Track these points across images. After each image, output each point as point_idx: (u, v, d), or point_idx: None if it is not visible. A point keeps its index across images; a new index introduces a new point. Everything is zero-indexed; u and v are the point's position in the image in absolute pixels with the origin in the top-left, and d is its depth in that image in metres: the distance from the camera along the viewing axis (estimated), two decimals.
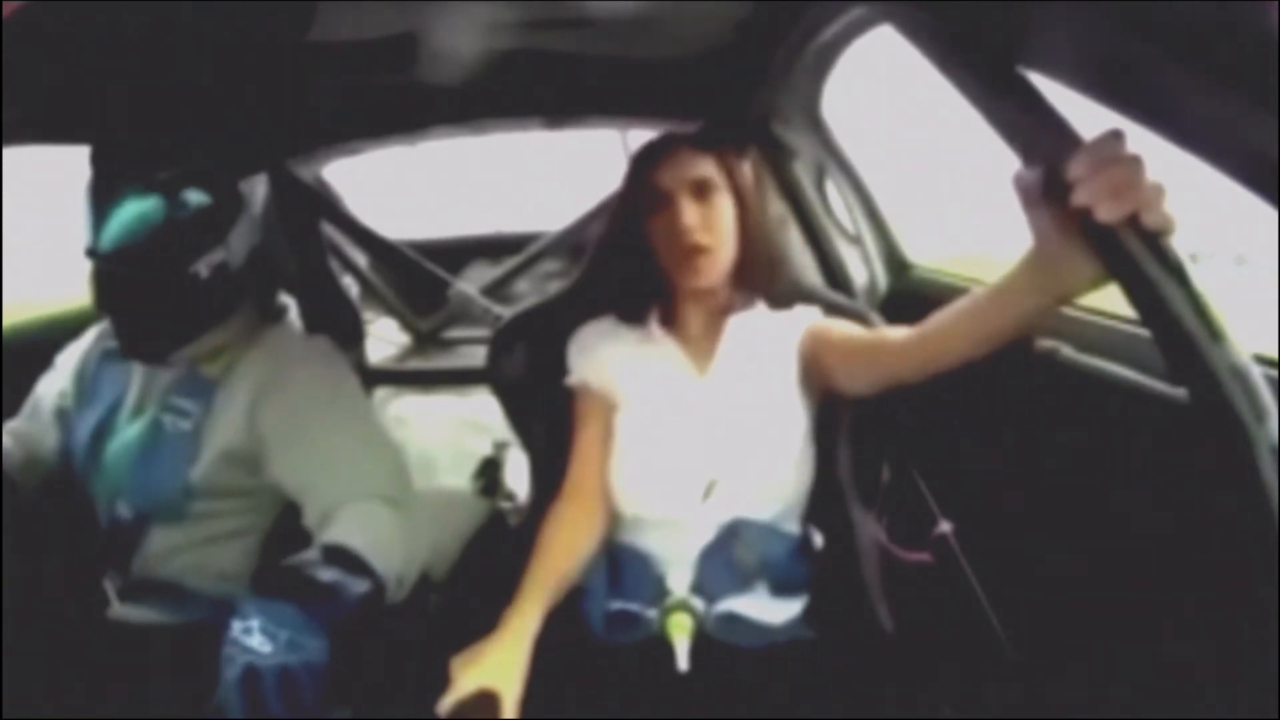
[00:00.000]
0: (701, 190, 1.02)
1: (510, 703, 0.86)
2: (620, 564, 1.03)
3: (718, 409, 1.03)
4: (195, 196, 1.08)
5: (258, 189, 1.20)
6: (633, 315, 1.12)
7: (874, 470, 1.18)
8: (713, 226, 1.02)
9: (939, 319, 0.86)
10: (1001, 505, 1.20)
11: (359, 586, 0.93)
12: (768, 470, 1.01)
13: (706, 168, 1.03)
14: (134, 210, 1.05)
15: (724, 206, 1.03)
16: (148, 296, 1.06)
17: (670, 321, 1.12)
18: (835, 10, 1.22)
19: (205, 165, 1.13)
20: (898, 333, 0.94)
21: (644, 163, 1.07)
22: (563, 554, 1.00)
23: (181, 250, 1.06)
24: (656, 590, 1.00)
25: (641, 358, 1.09)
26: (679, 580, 1.00)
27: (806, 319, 1.10)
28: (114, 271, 1.06)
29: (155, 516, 1.10)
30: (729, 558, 0.99)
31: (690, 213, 1.01)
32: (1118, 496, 0.96)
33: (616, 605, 1.01)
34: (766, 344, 1.08)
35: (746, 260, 1.06)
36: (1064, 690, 1.04)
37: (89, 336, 1.23)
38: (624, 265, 1.10)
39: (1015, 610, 1.18)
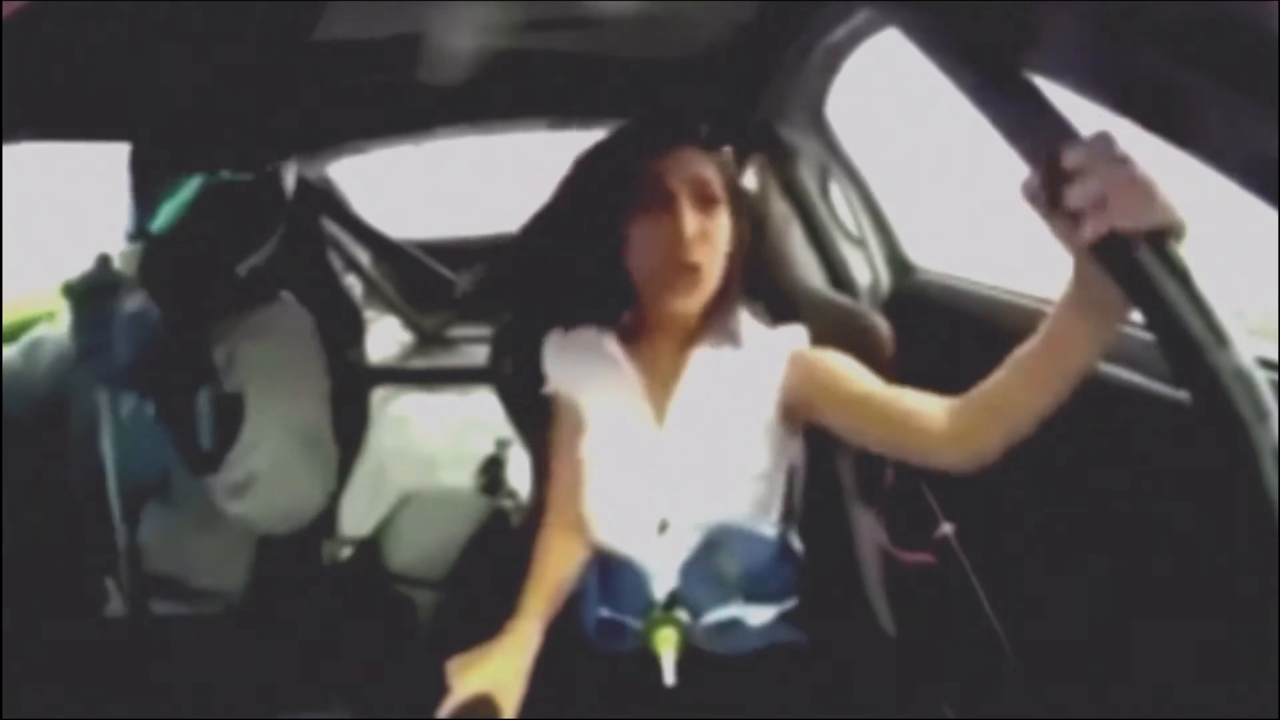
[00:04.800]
0: (705, 198, 0.91)
1: (508, 708, 0.87)
2: (610, 571, 1.01)
3: (672, 454, 0.98)
4: (251, 195, 1.11)
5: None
6: (597, 322, 1.02)
7: (877, 472, 1.18)
8: (712, 241, 0.91)
9: (989, 392, 0.75)
10: (1003, 507, 1.20)
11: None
12: (720, 509, 0.97)
13: (710, 172, 0.92)
14: (191, 197, 1.07)
15: (723, 222, 0.92)
16: (187, 284, 1.09)
17: (634, 341, 1.01)
18: (841, 13, 1.22)
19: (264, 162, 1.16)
20: (932, 407, 0.81)
21: (638, 150, 0.93)
22: (555, 572, 1.02)
23: (229, 246, 1.10)
24: (643, 601, 0.98)
25: (604, 383, 1.02)
26: (664, 592, 0.98)
27: (789, 346, 1.00)
28: (161, 254, 1.07)
29: (146, 498, 1.11)
30: (710, 569, 0.96)
31: (692, 221, 0.88)
32: (1119, 499, 0.96)
33: (606, 613, 1.00)
34: (735, 378, 0.98)
35: (727, 287, 0.95)
36: (1065, 691, 1.04)
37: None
38: (589, 267, 0.97)
39: (1016, 611, 1.18)
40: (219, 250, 1.10)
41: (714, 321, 0.97)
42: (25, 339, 1.22)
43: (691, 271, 0.90)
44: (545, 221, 1.02)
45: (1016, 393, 0.74)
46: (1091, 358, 0.69)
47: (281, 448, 1.06)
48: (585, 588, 1.02)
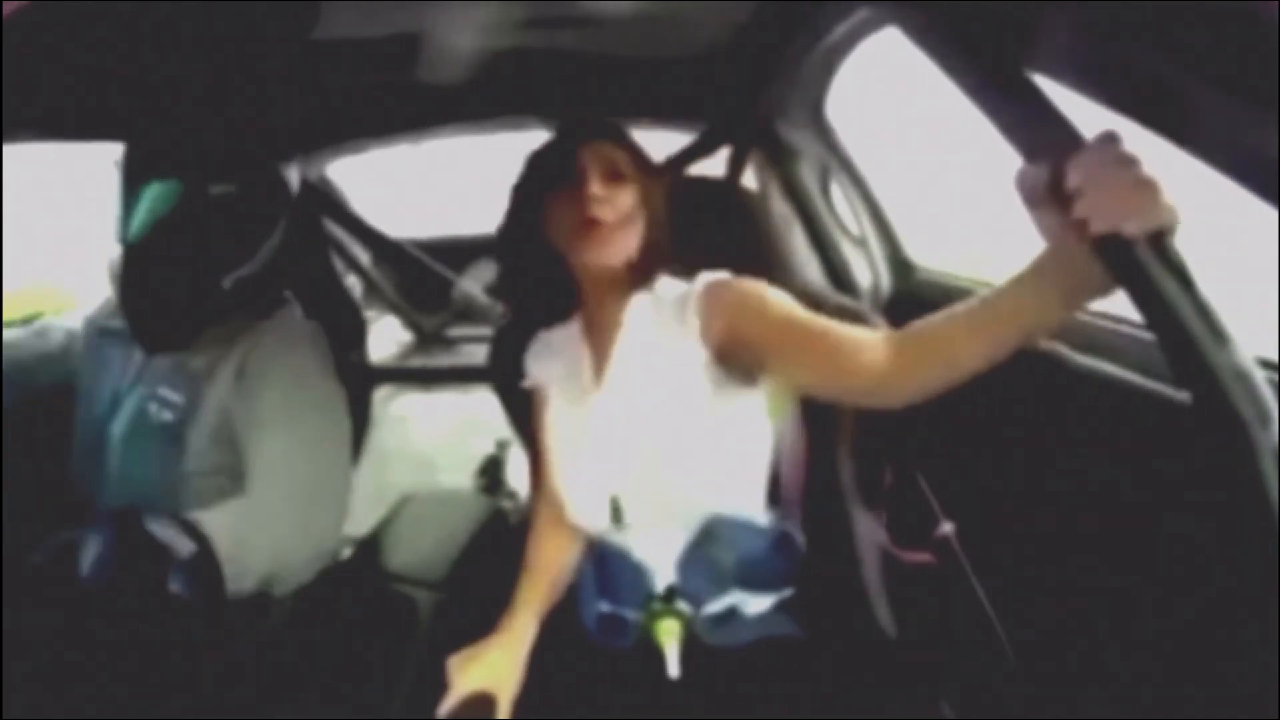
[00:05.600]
0: (611, 173, 0.98)
1: (505, 703, 0.88)
2: (606, 565, 1.01)
3: (613, 421, 0.98)
4: (236, 205, 1.09)
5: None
6: (551, 316, 1.08)
7: (877, 471, 1.17)
8: (617, 204, 0.96)
9: (932, 330, 0.78)
10: (1003, 507, 1.20)
11: (185, 549, 1.01)
12: (671, 481, 0.95)
13: (619, 156, 0.99)
14: (167, 205, 1.06)
15: (629, 195, 0.98)
16: (169, 292, 1.08)
17: (585, 320, 1.06)
18: (841, 12, 1.21)
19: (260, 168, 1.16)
20: (871, 337, 0.83)
21: (553, 150, 1.02)
22: (547, 564, 1.04)
23: (212, 257, 1.08)
24: (643, 593, 0.97)
25: (561, 363, 1.07)
26: (662, 584, 0.97)
27: (701, 280, 1.00)
28: (139, 262, 1.07)
29: (145, 506, 1.11)
30: (706, 560, 0.96)
31: (596, 184, 0.96)
32: (1119, 498, 0.96)
33: (606, 608, 1.00)
34: (661, 325, 0.99)
35: (647, 253, 0.99)
36: (1065, 690, 1.04)
37: (85, 313, 1.25)
38: (530, 258, 1.04)
39: (1016, 610, 1.18)
40: (199, 261, 1.08)
41: (639, 283, 1.01)
42: (34, 325, 1.24)
43: (594, 225, 0.95)
44: (499, 232, 1.08)
45: (958, 338, 0.75)
46: (1039, 331, 0.71)
47: (281, 524, 1.08)
48: (582, 582, 1.03)
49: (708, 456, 0.95)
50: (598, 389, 1.00)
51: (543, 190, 1.00)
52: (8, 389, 1.18)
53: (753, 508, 1.00)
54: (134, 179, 1.08)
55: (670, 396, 0.95)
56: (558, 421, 1.05)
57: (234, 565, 1.03)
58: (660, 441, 0.95)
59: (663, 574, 0.97)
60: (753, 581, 0.97)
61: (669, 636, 0.93)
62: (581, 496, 1.00)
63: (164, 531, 1.01)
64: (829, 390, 0.91)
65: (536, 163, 1.04)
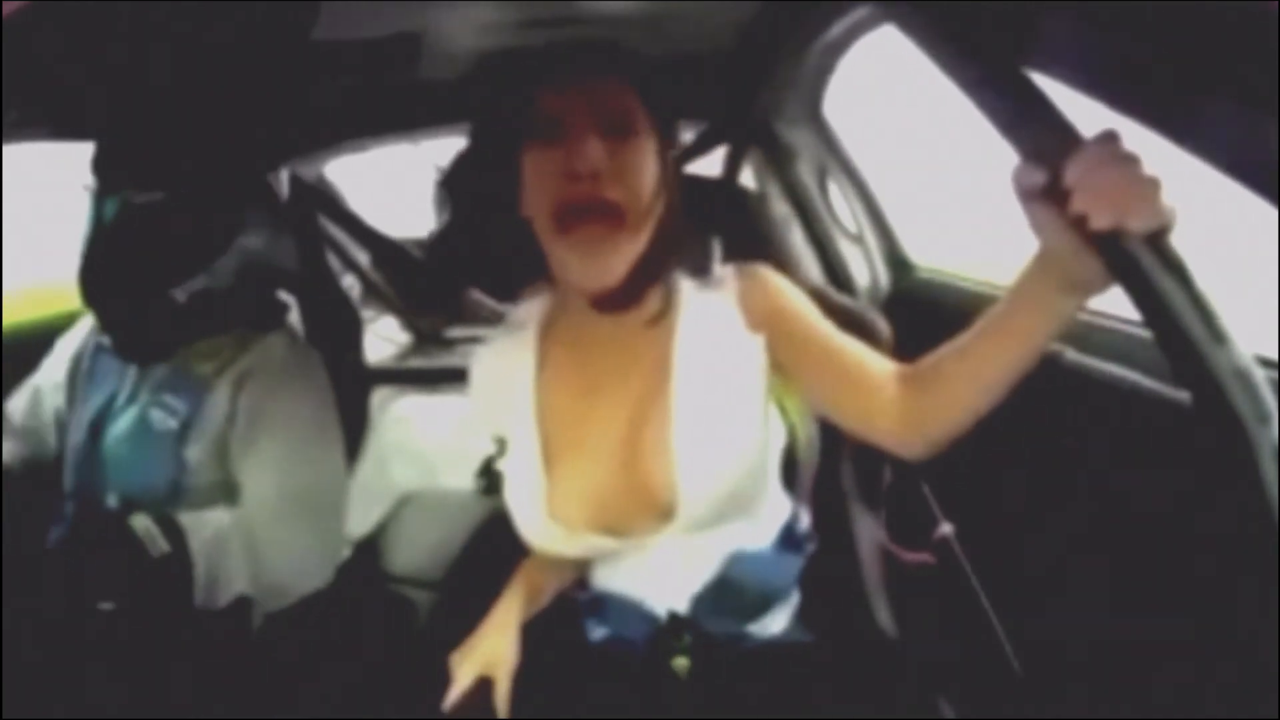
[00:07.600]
0: (617, 124, 0.71)
1: (504, 682, 0.89)
2: (605, 606, 0.96)
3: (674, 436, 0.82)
4: (176, 218, 1.08)
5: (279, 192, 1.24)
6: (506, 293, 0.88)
7: (876, 471, 1.17)
8: (627, 177, 0.69)
9: (940, 366, 0.71)
10: (1003, 507, 1.20)
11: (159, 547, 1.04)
12: (731, 478, 0.82)
13: (629, 100, 0.73)
14: (100, 214, 1.06)
15: (647, 157, 0.72)
16: (121, 305, 1.08)
17: (551, 322, 0.88)
18: (839, 10, 1.21)
19: (213, 179, 1.15)
20: (882, 370, 0.76)
21: (535, 80, 0.73)
22: (545, 563, 1.00)
23: (159, 270, 1.07)
24: (648, 626, 0.92)
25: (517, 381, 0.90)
26: (665, 609, 0.92)
27: (735, 269, 0.85)
28: (93, 272, 1.07)
29: (145, 512, 1.11)
30: (724, 602, 0.90)
31: (594, 146, 0.67)
32: (1119, 498, 0.96)
33: (607, 633, 0.97)
34: (713, 325, 0.82)
35: (658, 249, 0.75)
36: (1065, 691, 1.04)
37: (86, 324, 1.25)
38: (484, 222, 0.79)
39: (1016, 611, 1.18)
40: (138, 274, 1.07)
41: (649, 289, 0.78)
42: (26, 389, 1.23)
43: (596, 211, 0.69)
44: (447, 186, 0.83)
45: (972, 367, 0.71)
46: (1051, 337, 0.68)
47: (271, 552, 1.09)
48: (581, 612, 1.00)
49: (760, 450, 0.85)
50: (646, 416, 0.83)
51: (510, 149, 0.72)
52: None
53: (783, 502, 0.95)
54: (100, 191, 1.07)
55: (735, 394, 0.82)
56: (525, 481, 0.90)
57: (210, 576, 1.03)
58: (725, 444, 0.82)
59: (662, 602, 0.92)
60: (771, 607, 0.95)
61: (680, 670, 0.91)
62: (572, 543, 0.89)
63: (141, 525, 1.01)
64: (824, 408, 0.85)
65: (508, 98, 0.76)
